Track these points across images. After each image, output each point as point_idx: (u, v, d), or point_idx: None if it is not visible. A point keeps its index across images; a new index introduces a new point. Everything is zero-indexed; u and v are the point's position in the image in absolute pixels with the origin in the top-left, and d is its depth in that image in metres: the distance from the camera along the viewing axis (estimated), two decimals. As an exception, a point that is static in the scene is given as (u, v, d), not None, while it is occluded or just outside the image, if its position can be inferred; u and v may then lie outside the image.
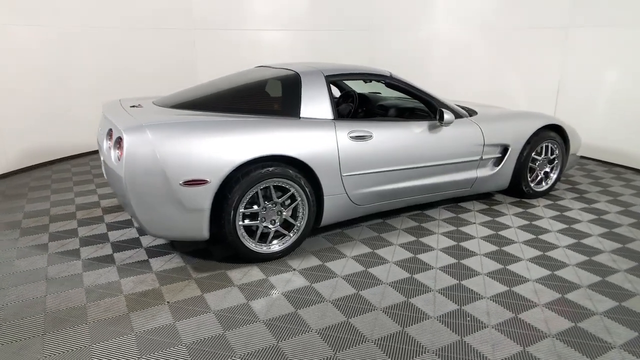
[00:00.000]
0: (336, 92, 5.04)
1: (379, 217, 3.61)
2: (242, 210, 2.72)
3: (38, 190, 4.25)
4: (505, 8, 5.70)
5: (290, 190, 2.84)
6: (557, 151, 4.07)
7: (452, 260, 2.91)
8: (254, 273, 2.75)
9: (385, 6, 6.36)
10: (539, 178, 4.07)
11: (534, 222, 3.56)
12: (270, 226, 2.85)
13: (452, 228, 3.43)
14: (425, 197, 3.53)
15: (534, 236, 3.30)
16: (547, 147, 4.01)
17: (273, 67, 3.49)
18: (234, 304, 2.41)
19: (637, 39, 4.72)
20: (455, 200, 4.00)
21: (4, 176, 4.66)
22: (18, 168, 4.82)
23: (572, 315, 2.35)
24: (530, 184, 4.02)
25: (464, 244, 3.17)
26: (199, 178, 2.54)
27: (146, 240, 3.17)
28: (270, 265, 2.84)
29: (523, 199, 4.07)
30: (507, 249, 3.10)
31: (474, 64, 6.11)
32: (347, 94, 4.32)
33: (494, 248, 3.11)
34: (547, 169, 4.10)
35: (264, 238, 2.87)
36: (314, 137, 2.87)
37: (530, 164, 3.97)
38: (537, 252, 3.04)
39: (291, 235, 2.93)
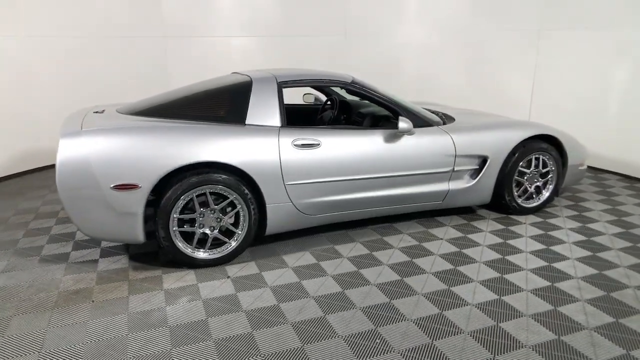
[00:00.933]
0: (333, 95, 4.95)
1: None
2: (176, 215, 2.75)
3: (36, 190, 4.58)
4: (477, 12, 5.70)
5: (229, 198, 2.83)
6: (550, 164, 3.72)
7: (395, 279, 2.75)
8: (188, 278, 2.77)
9: (360, 11, 6.27)
10: (528, 193, 3.74)
11: (509, 241, 3.27)
12: (209, 232, 2.86)
13: (414, 243, 3.24)
14: (391, 209, 3.37)
15: (500, 256, 3.04)
16: (537, 159, 3.68)
17: (241, 74, 3.51)
18: (152, 307, 2.44)
19: (607, 41, 4.70)
20: (433, 214, 3.78)
21: None
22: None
23: (511, 342, 2.12)
24: (518, 199, 3.70)
25: (417, 260, 2.98)
26: (129, 183, 2.60)
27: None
28: (207, 271, 2.84)
29: (510, 215, 3.76)
30: (462, 268, 2.88)
31: (449, 68, 6.04)
32: (331, 100, 4.24)
33: (448, 267, 2.89)
34: (539, 184, 3.76)
35: (204, 244, 2.88)
36: (254, 145, 2.84)
37: (518, 177, 3.66)
38: (494, 274, 2.79)
39: (232, 242, 2.92)
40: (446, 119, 3.77)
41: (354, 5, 6.23)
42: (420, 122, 3.37)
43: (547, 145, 3.64)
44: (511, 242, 3.26)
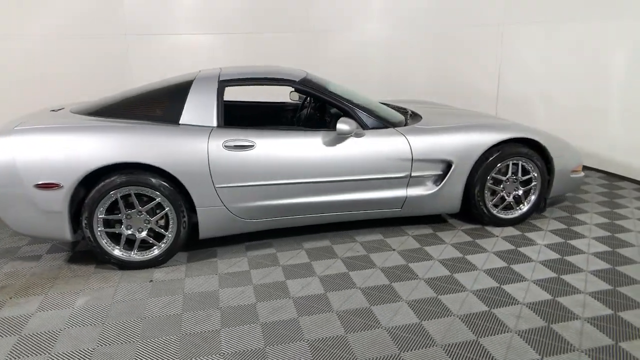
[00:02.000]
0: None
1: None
2: (101, 216, 2.73)
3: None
4: (442, 7, 5.66)
5: (155, 199, 2.77)
6: (532, 171, 3.32)
7: (316, 293, 2.56)
8: (113, 277, 2.75)
9: (328, 7, 6.06)
10: (505, 203, 3.36)
11: (467, 256, 2.95)
12: (137, 234, 2.82)
13: (362, 253, 3.01)
14: (343, 216, 3.16)
15: (448, 273, 2.74)
16: (515, 165, 3.29)
17: (199, 72, 3.44)
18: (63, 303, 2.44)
19: (569, 34, 4.69)
20: (400, 222, 3.50)
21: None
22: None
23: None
24: (492, 209, 3.33)
25: (352, 273, 2.76)
26: (51, 182, 2.61)
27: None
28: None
29: (486, 227, 3.40)
30: (396, 285, 2.62)
31: (416, 63, 5.96)
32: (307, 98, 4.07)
33: (384, 282, 2.65)
34: (520, 192, 3.37)
35: (142, 245, 2.85)
36: (181, 145, 2.75)
37: (493, 185, 3.30)
38: (429, 294, 2.51)
39: (161, 245, 2.86)
40: (413, 118, 3.47)
41: (321, 0, 6.02)
42: (374, 123, 3.12)
43: (528, 149, 3.25)
44: (470, 257, 2.94)
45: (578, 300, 2.43)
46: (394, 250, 3.06)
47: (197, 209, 2.84)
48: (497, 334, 2.17)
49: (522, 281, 2.63)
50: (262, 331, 2.22)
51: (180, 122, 2.89)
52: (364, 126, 3.08)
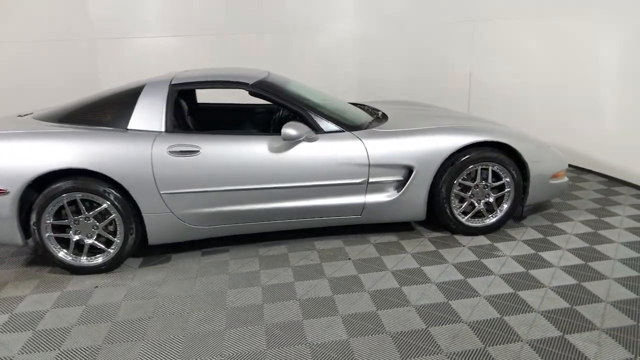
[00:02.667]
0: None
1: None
2: (49, 221, 2.75)
3: None
4: (416, 5, 5.64)
5: (102, 205, 2.76)
6: (505, 176, 3.11)
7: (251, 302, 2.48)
8: (76, 282, 2.77)
9: (301, 7, 5.95)
10: (475, 210, 3.16)
11: (424, 267, 2.79)
12: (86, 240, 2.82)
13: (315, 262, 2.91)
14: (299, 222, 3.06)
15: (397, 286, 2.59)
16: (485, 170, 3.09)
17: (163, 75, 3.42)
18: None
19: (540, 29, 4.66)
20: (365, 229, 3.37)
21: None
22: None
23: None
24: (460, 217, 3.14)
25: (298, 283, 2.66)
26: (-2, 187, 2.65)
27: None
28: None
29: (455, 235, 3.22)
30: (338, 297, 2.50)
31: (389, 61, 5.90)
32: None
33: (326, 294, 2.53)
34: (491, 200, 3.16)
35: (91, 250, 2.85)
36: (126, 151, 2.73)
37: (460, 192, 3.11)
38: (369, 309, 2.38)
39: (110, 251, 2.85)
40: (379, 121, 3.32)
41: (295, 1, 5.90)
42: (329, 127, 2.99)
43: (498, 154, 3.04)
44: (426, 268, 2.78)
45: (526, 319, 2.24)
46: (349, 259, 2.94)
47: (144, 215, 2.82)
48: (426, 355, 2.02)
49: (474, 297, 2.45)
50: (186, 343, 2.16)
51: (128, 127, 2.87)
52: (318, 130, 2.97)
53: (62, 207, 2.76)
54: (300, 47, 6.02)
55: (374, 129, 3.08)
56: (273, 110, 4.13)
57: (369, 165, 2.95)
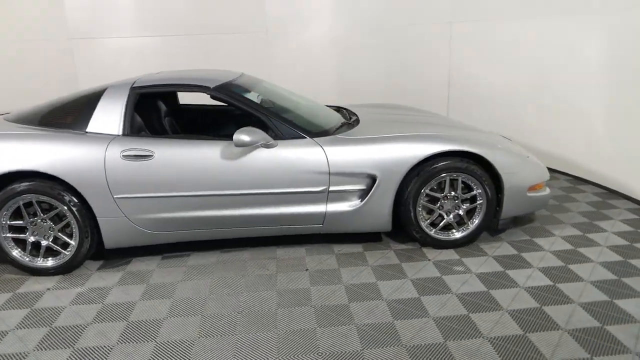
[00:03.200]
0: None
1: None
2: (4, 222, 2.76)
3: None
4: (391, 6, 5.56)
5: (57, 208, 2.76)
6: (476, 188, 2.93)
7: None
8: (30, 284, 2.78)
9: (281, 7, 5.78)
10: (443, 223, 3.00)
11: (380, 282, 2.66)
12: (42, 241, 2.83)
13: (271, 272, 2.82)
14: (259, 230, 2.98)
15: (346, 302, 2.47)
16: (455, 181, 2.92)
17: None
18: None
19: (515, 31, 4.65)
20: (329, 239, 3.25)
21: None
22: None
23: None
24: (428, 229, 2.99)
25: (246, 295, 2.58)
26: (-47, 189, 2.68)
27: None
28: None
29: (423, 248, 3.07)
30: (282, 311, 2.41)
31: (368, 64, 5.81)
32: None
33: (270, 307, 2.45)
34: (461, 212, 2.99)
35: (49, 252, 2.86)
36: (80, 154, 2.72)
37: (428, 203, 2.96)
38: (308, 325, 2.28)
39: (66, 253, 2.85)
40: (349, 127, 3.19)
41: (273, 0, 5.75)
42: (291, 133, 2.90)
43: (467, 164, 2.87)
44: (382, 283, 2.65)
45: (471, 346, 2.08)
46: (307, 270, 2.84)
47: (98, 219, 2.80)
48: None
49: (422, 317, 2.31)
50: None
51: (87, 130, 2.86)
52: (278, 136, 2.88)
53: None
54: (276, 48, 5.90)
55: (337, 136, 2.96)
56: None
57: (329, 173, 2.84)
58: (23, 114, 3.11)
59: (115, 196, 2.76)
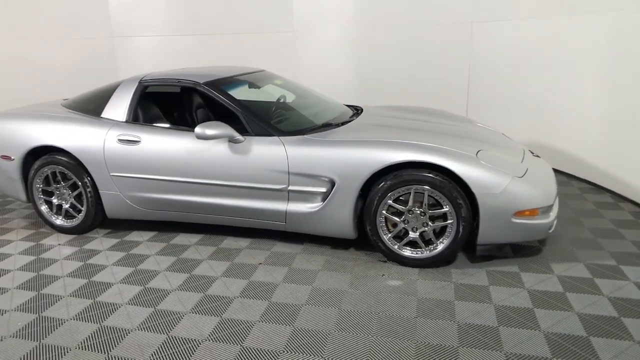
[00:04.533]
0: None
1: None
2: (39, 186, 3.41)
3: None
4: (414, 7, 5.46)
5: (72, 179, 3.31)
6: (445, 205, 2.63)
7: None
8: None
9: (307, 6, 5.70)
10: (406, 239, 2.75)
11: (285, 284, 2.59)
12: (63, 204, 3.42)
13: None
14: (230, 220, 3.13)
15: (216, 319, 2.48)
16: (421, 194, 2.66)
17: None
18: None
19: (537, 30, 4.60)
20: (307, 238, 3.23)
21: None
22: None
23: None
24: (390, 243, 2.78)
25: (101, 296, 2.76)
26: (6, 154, 3.39)
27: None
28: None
29: (389, 261, 2.87)
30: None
31: (388, 64, 5.69)
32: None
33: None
34: (427, 229, 2.71)
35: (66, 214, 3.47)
36: (87, 134, 3.21)
37: (391, 215, 2.75)
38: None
39: (78, 216, 3.40)
40: (333, 127, 3.12)
41: (300, 2, 5.66)
42: (259, 129, 2.97)
43: (434, 177, 2.58)
44: (292, 287, 2.58)
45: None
46: (218, 277, 2.75)
47: (100, 192, 3.27)
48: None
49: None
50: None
51: (102, 115, 3.34)
52: (248, 132, 2.98)
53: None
54: (304, 47, 5.92)
55: (306, 136, 2.94)
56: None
57: (289, 172, 2.85)
58: (71, 101, 3.77)
59: (111, 173, 3.20)
